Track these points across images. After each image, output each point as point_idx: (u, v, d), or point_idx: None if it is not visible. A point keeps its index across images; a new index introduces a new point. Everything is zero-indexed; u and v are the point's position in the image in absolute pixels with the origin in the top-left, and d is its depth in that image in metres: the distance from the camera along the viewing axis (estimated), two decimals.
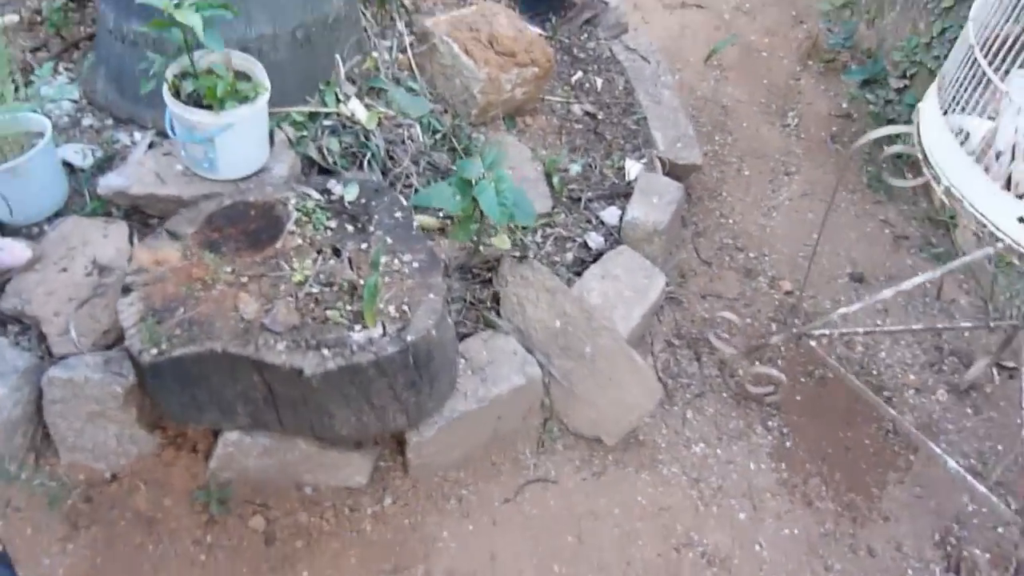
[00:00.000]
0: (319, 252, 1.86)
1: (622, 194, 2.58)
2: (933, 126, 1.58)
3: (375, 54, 2.62)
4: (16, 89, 2.22)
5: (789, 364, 2.45)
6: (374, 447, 1.99)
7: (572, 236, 2.43)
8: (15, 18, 2.67)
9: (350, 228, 1.92)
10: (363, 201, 1.98)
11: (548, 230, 2.42)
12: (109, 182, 2.09)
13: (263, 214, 1.93)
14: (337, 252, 1.86)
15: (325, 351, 1.65)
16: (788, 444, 2.28)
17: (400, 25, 2.70)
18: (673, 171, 2.71)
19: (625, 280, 2.28)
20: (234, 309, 1.71)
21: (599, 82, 2.95)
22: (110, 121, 2.37)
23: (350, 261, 1.84)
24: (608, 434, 2.11)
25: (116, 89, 2.32)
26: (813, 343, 2.14)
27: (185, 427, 1.90)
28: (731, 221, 2.88)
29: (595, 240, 2.42)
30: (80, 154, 2.22)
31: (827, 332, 2.16)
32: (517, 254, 2.30)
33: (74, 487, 1.91)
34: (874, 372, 2.48)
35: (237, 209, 1.93)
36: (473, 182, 2.00)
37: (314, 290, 1.78)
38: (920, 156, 1.58)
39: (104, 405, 1.84)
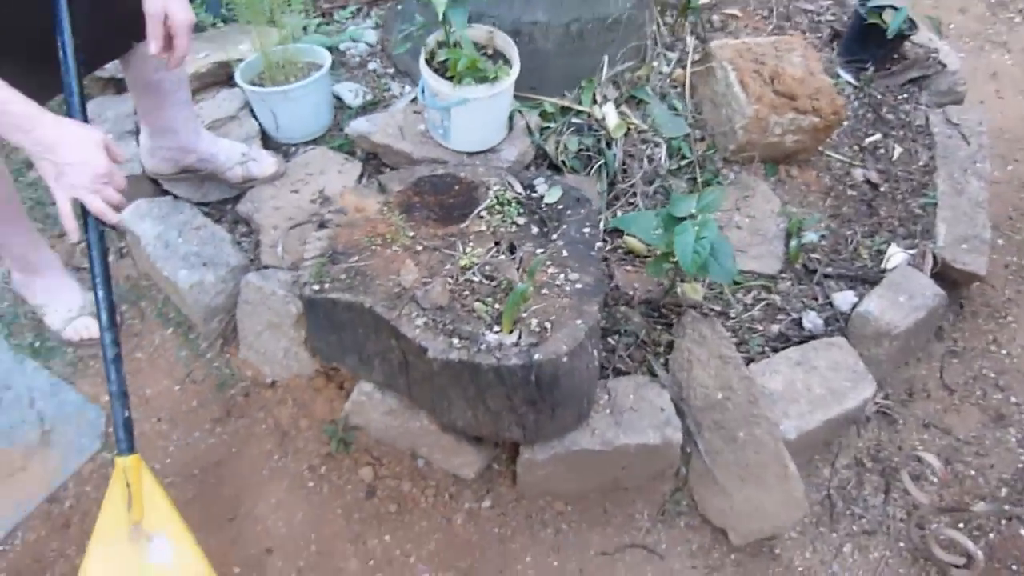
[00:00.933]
0: (496, 244, 1.84)
1: (869, 281, 2.25)
2: None
3: (654, 63, 2.53)
4: (319, 26, 2.47)
5: (1004, 543, 2.00)
6: (493, 448, 1.97)
7: (789, 308, 2.18)
8: None
9: (535, 230, 1.88)
10: (559, 208, 1.93)
11: (764, 294, 2.19)
12: (358, 125, 2.25)
13: (465, 191, 1.95)
14: (512, 249, 1.84)
15: (455, 340, 1.64)
16: None
17: (690, 40, 2.57)
18: (945, 273, 2.31)
19: (823, 375, 1.99)
20: (397, 273, 1.77)
21: (897, 150, 2.59)
22: (392, 70, 2.56)
23: (521, 261, 1.81)
24: (736, 532, 1.88)
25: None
26: None
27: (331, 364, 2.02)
28: (1004, 352, 2.39)
29: (812, 321, 2.14)
30: (353, 93, 2.42)
31: None
32: (717, 309, 2.12)
33: (240, 380, 2.12)
34: None
35: (445, 180, 1.98)
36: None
37: (475, 278, 1.77)
38: None
39: (281, 318, 2.02)
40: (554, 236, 1.87)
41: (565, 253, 1.82)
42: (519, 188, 1.97)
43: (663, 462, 1.91)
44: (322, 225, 1.88)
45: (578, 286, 1.76)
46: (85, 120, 1.52)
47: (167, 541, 1.54)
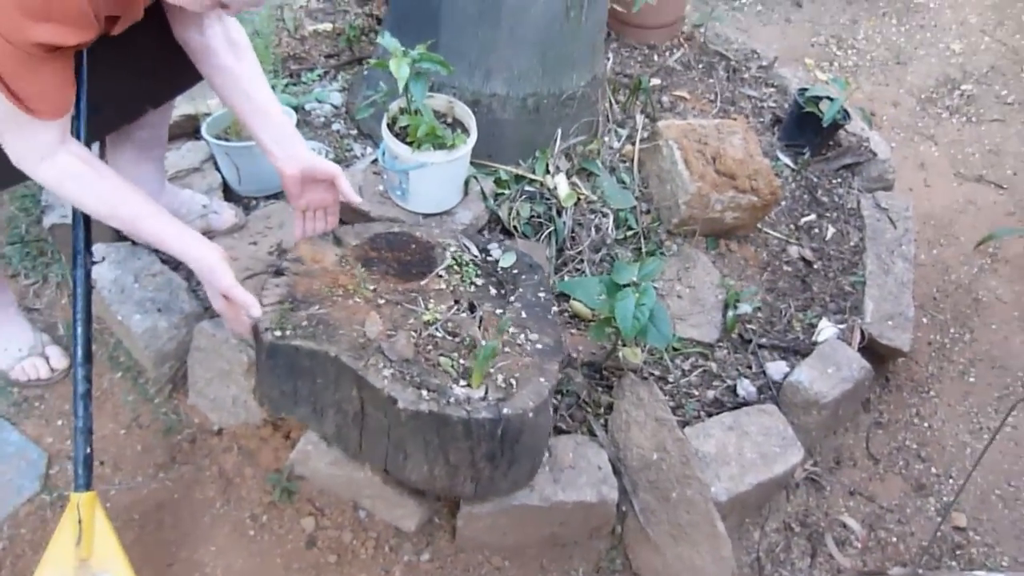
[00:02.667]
0: (456, 302, 1.90)
1: (801, 352, 2.37)
2: None
3: (605, 139, 2.68)
4: (287, 85, 2.57)
5: None
6: (435, 501, 2.00)
7: (724, 376, 2.28)
8: (328, 26, 3.10)
9: (493, 291, 1.96)
10: (515, 272, 2.01)
11: (701, 361, 2.29)
12: None
13: (421, 250, 2.02)
14: (472, 308, 1.90)
15: (424, 392, 1.67)
16: None
17: (639, 119, 2.73)
18: (872, 348, 2.44)
19: (754, 441, 2.09)
20: (360, 324, 1.80)
21: (830, 231, 2.75)
22: (355, 131, 2.66)
23: (481, 320, 1.87)
24: None
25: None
26: None
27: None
28: (926, 425, 2.52)
29: (746, 388, 2.25)
30: (316, 151, 2.50)
31: None
32: (656, 373, 2.22)
33: (187, 426, 2.14)
34: None
35: (401, 239, 2.04)
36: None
37: (438, 334, 1.82)
38: None
39: (232, 366, 2.05)
40: (511, 298, 1.94)
41: (524, 315, 1.90)
42: (475, 251, 2.06)
43: (599, 519, 1.97)
44: (279, 272, 1.90)
45: (538, 346, 1.83)
46: None
47: None
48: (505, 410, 1.66)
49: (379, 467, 1.90)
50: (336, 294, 1.86)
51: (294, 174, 1.80)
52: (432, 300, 1.90)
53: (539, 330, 1.88)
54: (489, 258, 2.07)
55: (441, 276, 1.97)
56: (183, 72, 1.80)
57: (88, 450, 1.56)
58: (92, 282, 1.74)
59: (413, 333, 1.80)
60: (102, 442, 2.10)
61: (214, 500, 2.03)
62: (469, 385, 1.71)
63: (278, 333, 1.75)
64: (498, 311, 1.91)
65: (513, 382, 1.73)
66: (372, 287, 1.90)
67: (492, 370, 1.74)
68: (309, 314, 1.80)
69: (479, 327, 1.86)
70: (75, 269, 1.59)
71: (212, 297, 1.74)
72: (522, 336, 1.86)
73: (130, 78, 1.74)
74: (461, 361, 1.77)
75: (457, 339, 1.82)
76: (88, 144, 1.61)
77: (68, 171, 1.50)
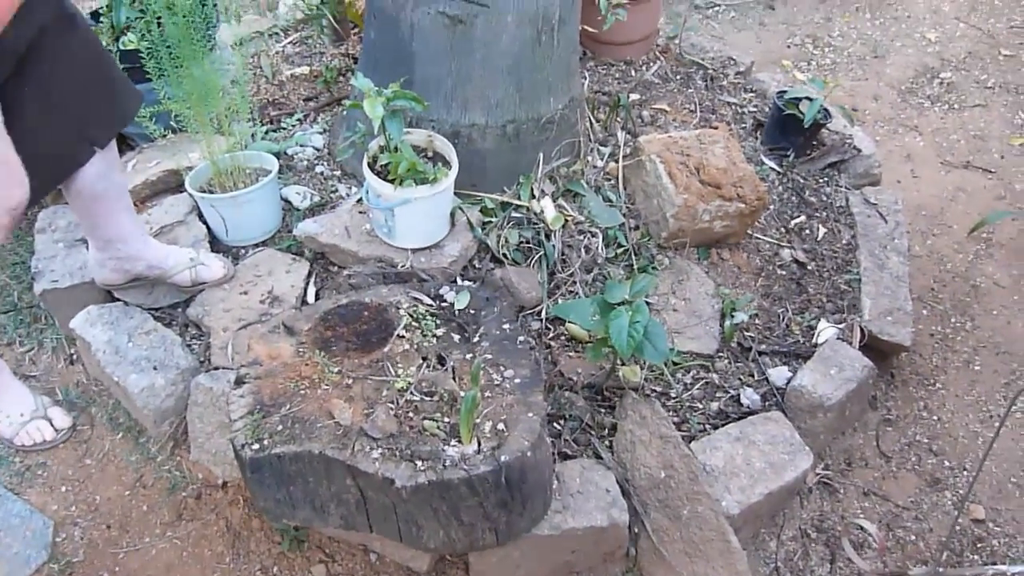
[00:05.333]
0: (424, 359, 1.87)
1: (802, 356, 2.36)
2: None
3: (588, 158, 2.68)
4: (267, 132, 2.58)
5: None
6: None
7: (727, 386, 2.26)
8: (305, 70, 3.12)
9: (457, 337, 1.94)
10: (472, 311, 1.99)
11: (702, 373, 2.28)
12: (305, 227, 2.33)
13: (375, 315, 1.97)
14: (442, 361, 1.87)
15: (418, 463, 1.63)
16: None
17: (621, 135, 2.73)
18: (873, 345, 2.43)
19: (762, 450, 2.07)
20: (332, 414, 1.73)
21: (821, 231, 2.74)
22: (338, 172, 2.66)
23: (454, 371, 1.84)
24: None
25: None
26: None
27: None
28: (935, 418, 2.50)
29: (750, 397, 2.23)
30: (300, 196, 2.51)
31: None
32: (658, 389, 2.20)
33: (192, 482, 2.12)
34: None
35: (352, 309, 1.98)
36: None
37: (415, 398, 1.78)
38: None
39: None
40: (475, 339, 1.92)
41: (493, 353, 1.88)
42: (428, 300, 2.03)
43: (612, 543, 1.95)
44: (239, 382, 1.81)
45: (517, 380, 1.81)
46: None
47: None
48: (503, 457, 1.63)
49: (395, 540, 1.83)
50: (303, 387, 1.79)
51: None
52: (400, 365, 1.85)
53: (513, 363, 1.86)
54: (444, 303, 2.04)
55: (402, 336, 1.92)
56: (110, 108, 1.85)
57: None
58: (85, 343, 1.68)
59: (390, 405, 1.75)
60: (107, 505, 2.09)
61: (223, 555, 2.01)
62: (460, 442, 1.67)
63: (256, 447, 1.67)
64: (468, 356, 1.88)
65: (502, 426, 1.71)
66: (336, 369, 1.83)
67: (478, 420, 1.71)
68: (282, 416, 1.73)
69: (454, 379, 1.82)
70: None
71: None
72: (497, 375, 1.83)
73: (59, 121, 1.74)
74: (446, 419, 1.73)
75: (435, 397, 1.78)
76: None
77: None
